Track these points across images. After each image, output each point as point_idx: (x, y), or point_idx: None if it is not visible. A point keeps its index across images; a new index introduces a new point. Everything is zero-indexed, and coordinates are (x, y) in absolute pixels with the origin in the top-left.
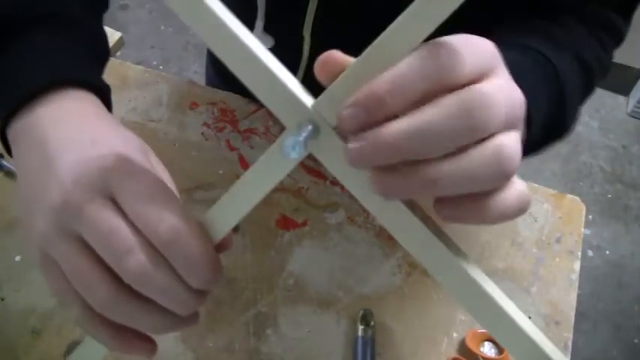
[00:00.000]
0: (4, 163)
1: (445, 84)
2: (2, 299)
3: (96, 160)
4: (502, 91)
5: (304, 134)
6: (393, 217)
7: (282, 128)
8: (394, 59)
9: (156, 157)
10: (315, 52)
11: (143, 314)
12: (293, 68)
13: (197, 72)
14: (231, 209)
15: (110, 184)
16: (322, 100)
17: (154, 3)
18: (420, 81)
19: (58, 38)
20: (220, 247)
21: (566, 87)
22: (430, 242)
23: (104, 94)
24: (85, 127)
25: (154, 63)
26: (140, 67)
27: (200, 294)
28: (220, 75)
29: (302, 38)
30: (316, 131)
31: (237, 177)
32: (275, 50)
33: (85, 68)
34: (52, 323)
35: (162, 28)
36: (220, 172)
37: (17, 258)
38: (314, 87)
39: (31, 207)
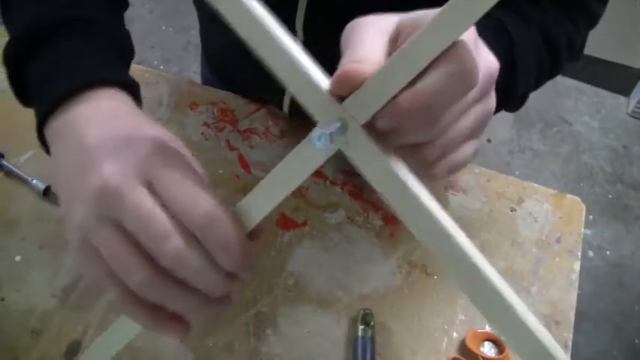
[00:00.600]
0: (4, 163)
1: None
2: (2, 299)
3: (132, 149)
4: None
5: (332, 128)
6: (414, 214)
7: (282, 129)
8: (419, 66)
9: (186, 148)
10: (308, 47)
11: (178, 295)
12: None
13: (197, 72)
14: (262, 200)
15: (147, 171)
16: (352, 100)
17: (154, 3)
18: (448, 103)
19: (88, 42)
20: (252, 234)
21: (521, 60)
22: (449, 241)
23: (135, 91)
24: (119, 122)
25: (155, 63)
26: (140, 66)
27: (231, 277)
28: (216, 73)
29: (295, 33)
30: (344, 128)
31: (237, 177)
32: None
33: (115, 68)
34: (52, 323)
35: (163, 28)
36: (220, 171)
37: (17, 258)
38: None
39: (71, 197)
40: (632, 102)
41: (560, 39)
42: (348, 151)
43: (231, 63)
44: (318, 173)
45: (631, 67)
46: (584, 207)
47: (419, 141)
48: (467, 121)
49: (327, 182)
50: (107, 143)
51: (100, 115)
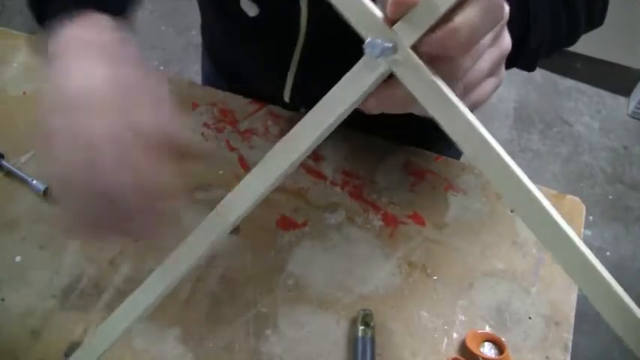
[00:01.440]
0: (4, 163)
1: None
2: (2, 299)
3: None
4: None
5: (383, 44)
6: (463, 129)
7: (282, 129)
8: None
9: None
10: (312, 23)
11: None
12: (291, 39)
13: (198, 72)
14: (310, 127)
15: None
16: (401, 24)
17: (154, 3)
18: (481, 35)
19: None
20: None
21: (535, 11)
22: (498, 157)
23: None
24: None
25: (155, 63)
26: None
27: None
28: (215, 64)
29: (299, 8)
30: (395, 49)
31: (238, 177)
32: (273, 20)
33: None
34: (51, 324)
35: (163, 28)
36: (220, 172)
37: (17, 258)
38: (312, 57)
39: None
40: (633, 102)
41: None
42: (399, 71)
43: (231, 51)
44: (318, 174)
45: (631, 68)
46: (584, 207)
47: (453, 71)
48: (485, 62)
49: (327, 183)
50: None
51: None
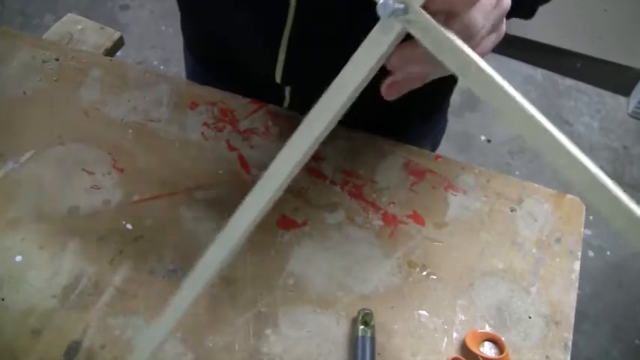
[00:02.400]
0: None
1: None
2: (2, 299)
3: None
4: None
5: (395, 5)
6: (482, 82)
7: (283, 129)
8: None
9: None
10: (301, 4)
11: None
12: (281, 13)
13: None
14: (333, 96)
15: None
16: None
17: (154, 3)
18: None
19: None
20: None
21: None
22: (522, 107)
23: None
24: None
25: (155, 63)
26: (140, 67)
27: None
28: (201, 62)
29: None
30: (406, 9)
31: (238, 177)
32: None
33: None
34: (52, 323)
35: (163, 28)
36: (220, 171)
37: (17, 258)
38: (303, 35)
39: None
40: (633, 102)
41: None
42: (413, 29)
43: (219, 26)
44: (318, 173)
45: (631, 68)
46: (584, 207)
47: (464, 28)
48: (488, 22)
49: (327, 182)
50: None
51: None
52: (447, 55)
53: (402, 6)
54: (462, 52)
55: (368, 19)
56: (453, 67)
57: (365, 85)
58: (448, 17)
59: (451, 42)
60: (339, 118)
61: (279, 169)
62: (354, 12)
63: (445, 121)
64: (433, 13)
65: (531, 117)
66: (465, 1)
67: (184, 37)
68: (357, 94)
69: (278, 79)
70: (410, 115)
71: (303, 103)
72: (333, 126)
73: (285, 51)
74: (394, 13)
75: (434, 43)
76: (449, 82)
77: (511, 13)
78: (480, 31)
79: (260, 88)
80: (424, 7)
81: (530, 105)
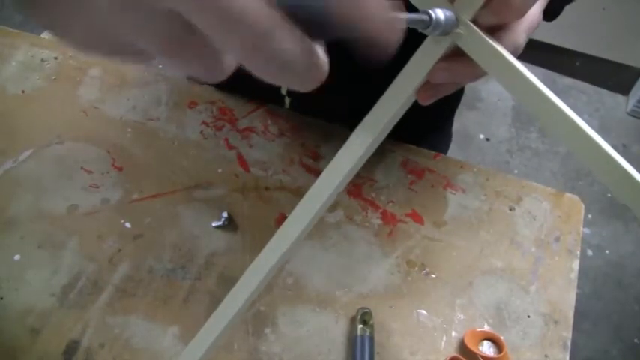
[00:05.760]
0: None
1: None
2: (1, 298)
3: None
4: None
5: (447, 14)
6: (530, 94)
7: (282, 128)
8: None
9: None
10: None
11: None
12: None
13: None
14: (388, 104)
15: None
16: (459, 1)
17: None
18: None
19: None
20: None
21: None
22: (573, 124)
23: None
24: None
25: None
26: (139, 65)
27: None
28: None
29: None
30: (456, 23)
31: (236, 176)
32: None
33: None
34: (51, 322)
35: None
36: (219, 170)
37: (16, 257)
38: None
39: None
40: (632, 101)
41: None
42: (462, 43)
43: None
44: (318, 173)
45: (630, 66)
46: (582, 206)
47: (511, 38)
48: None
49: None
50: None
51: None
52: (497, 70)
53: (453, 16)
54: (514, 68)
55: None
56: (502, 82)
57: (412, 100)
58: (494, 30)
59: (503, 58)
60: (387, 132)
61: (329, 179)
62: None
63: (451, 133)
64: (481, 27)
65: (588, 137)
66: (514, 15)
67: None
68: (404, 109)
69: (283, 90)
70: (422, 126)
71: (302, 110)
72: (379, 142)
73: None
74: (446, 22)
75: (485, 58)
76: (457, 94)
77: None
78: (522, 46)
79: (260, 90)
80: (474, 20)
81: (586, 125)
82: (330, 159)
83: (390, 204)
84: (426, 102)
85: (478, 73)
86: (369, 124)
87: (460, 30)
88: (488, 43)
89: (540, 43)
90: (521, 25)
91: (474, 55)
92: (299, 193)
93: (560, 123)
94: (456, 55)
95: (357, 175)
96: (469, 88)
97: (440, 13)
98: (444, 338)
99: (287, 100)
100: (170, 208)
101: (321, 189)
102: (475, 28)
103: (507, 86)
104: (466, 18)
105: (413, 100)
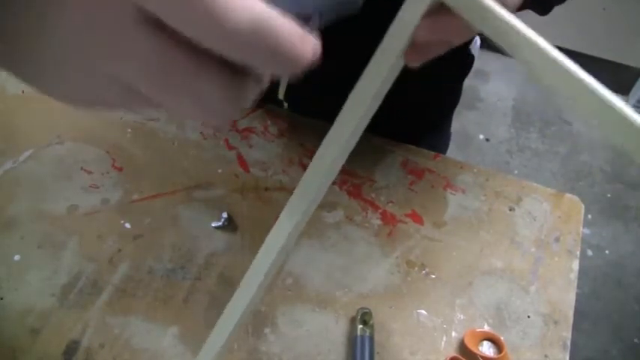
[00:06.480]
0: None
1: None
2: (1, 298)
3: None
4: None
5: None
6: (529, 55)
7: (281, 128)
8: None
9: None
10: None
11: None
12: None
13: None
14: (381, 64)
15: None
16: None
17: None
18: None
19: None
20: None
21: None
22: (579, 79)
23: None
24: None
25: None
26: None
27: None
28: None
29: None
30: None
31: (236, 176)
32: None
33: None
34: (50, 322)
35: None
36: (219, 170)
37: (16, 257)
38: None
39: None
40: (632, 101)
41: None
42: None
43: None
44: None
45: (630, 66)
46: (582, 206)
47: None
48: None
49: None
50: None
51: None
52: (486, 25)
53: None
54: (507, 22)
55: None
56: (489, 34)
57: (400, 66)
58: None
59: (493, 12)
60: (376, 105)
61: (319, 164)
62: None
63: (450, 133)
64: None
65: (593, 91)
66: None
67: None
68: (392, 78)
69: (281, 95)
70: (421, 126)
71: (302, 110)
72: (369, 118)
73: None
74: None
75: (470, 13)
76: (456, 94)
77: (528, 5)
78: (512, 3)
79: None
80: None
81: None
82: None
83: (390, 204)
84: (414, 63)
85: (467, 30)
86: (357, 96)
87: None
88: None
89: None
90: None
91: (458, 10)
92: None
93: (562, 76)
94: (442, 12)
95: (357, 175)
96: (469, 88)
97: None
98: (444, 338)
99: (285, 105)
100: (170, 209)
101: (313, 175)
102: None
103: (504, 45)
104: None
105: (401, 66)
